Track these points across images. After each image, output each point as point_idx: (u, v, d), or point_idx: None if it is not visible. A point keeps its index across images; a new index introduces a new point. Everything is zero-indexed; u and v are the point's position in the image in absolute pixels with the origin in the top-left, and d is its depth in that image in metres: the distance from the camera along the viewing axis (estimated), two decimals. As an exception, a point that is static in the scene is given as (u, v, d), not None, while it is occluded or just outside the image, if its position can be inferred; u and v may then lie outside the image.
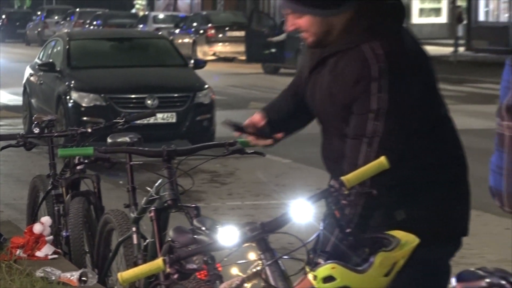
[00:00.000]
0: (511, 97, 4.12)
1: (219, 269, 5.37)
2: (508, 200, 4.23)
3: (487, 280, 3.70)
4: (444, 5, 52.98)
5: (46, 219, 8.28)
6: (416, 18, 53.99)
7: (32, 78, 20.84)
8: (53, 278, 7.12)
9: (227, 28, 44.64)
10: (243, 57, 43.06)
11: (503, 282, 3.68)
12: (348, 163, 4.93)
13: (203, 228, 5.20)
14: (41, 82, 20.15)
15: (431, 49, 50.62)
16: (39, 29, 60.61)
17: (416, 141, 5.05)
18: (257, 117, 5.40)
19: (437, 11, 54.72)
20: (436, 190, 5.08)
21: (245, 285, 4.89)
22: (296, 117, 5.53)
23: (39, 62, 20.63)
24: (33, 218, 9.00)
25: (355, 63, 4.94)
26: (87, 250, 8.18)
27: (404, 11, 5.25)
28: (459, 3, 44.99)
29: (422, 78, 5.06)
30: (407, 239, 4.62)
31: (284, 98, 5.56)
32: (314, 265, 4.63)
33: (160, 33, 34.65)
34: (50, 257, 7.82)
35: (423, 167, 4.95)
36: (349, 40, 5.00)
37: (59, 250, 8.16)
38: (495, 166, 4.25)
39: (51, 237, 8.14)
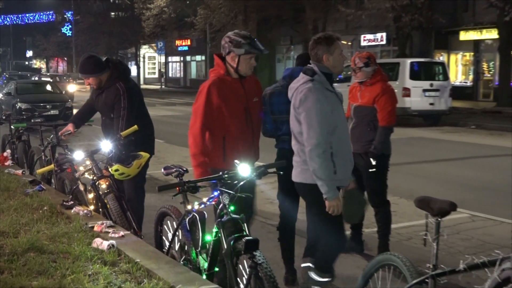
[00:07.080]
0: None
1: (76, 168, 5.04)
2: None
3: (175, 168, 3.61)
4: (156, 69, 51.57)
5: (8, 151, 7.55)
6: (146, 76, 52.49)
7: (2, 98, 18.71)
8: (12, 173, 6.46)
9: (79, 78, 41.62)
10: (87, 88, 40.37)
11: (181, 170, 3.60)
12: (116, 128, 4.59)
13: (69, 153, 4.85)
14: (5, 99, 18.17)
15: (152, 87, 48.12)
16: (4, 80, 54.52)
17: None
18: (70, 126, 5.15)
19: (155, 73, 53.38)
20: (145, 139, 4.77)
21: (86, 173, 4.60)
22: (88, 113, 5.18)
23: (4, 92, 18.78)
24: (3, 150, 8.18)
25: (114, 90, 4.65)
26: (25, 162, 7.50)
27: (129, 69, 4.90)
28: (162, 69, 44.16)
29: (138, 97, 4.77)
30: (145, 155, 4.48)
31: (85, 107, 5.17)
32: (110, 165, 4.42)
33: (51, 81, 32.01)
34: (10, 165, 7.13)
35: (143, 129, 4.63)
36: (111, 82, 4.70)
37: (14, 162, 7.45)
38: None
39: (10, 157, 7.42)
